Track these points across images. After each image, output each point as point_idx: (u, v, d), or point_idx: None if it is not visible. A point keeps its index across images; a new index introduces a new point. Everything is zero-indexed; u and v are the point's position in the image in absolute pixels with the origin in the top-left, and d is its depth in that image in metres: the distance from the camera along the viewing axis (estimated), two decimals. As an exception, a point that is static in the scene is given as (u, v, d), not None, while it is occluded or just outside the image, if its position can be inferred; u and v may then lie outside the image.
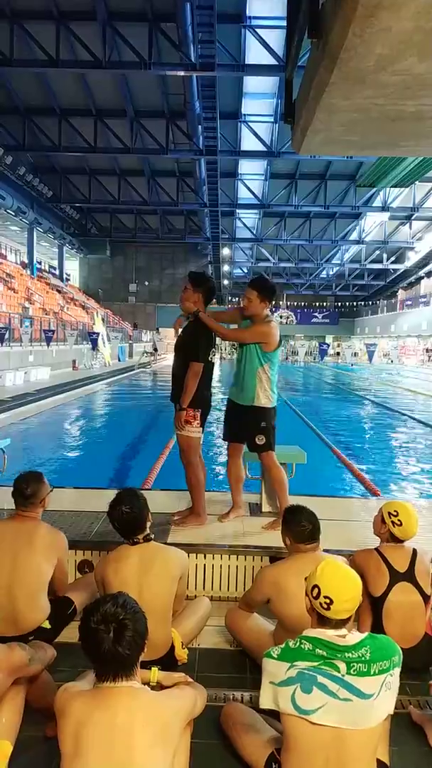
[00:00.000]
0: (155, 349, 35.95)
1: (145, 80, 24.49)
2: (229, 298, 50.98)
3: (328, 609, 2.02)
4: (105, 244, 44.73)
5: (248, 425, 4.20)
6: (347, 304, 56.64)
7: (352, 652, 1.98)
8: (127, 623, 1.77)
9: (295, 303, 54.89)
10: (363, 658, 1.97)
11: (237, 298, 51.58)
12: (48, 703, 2.37)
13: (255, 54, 21.78)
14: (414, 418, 13.92)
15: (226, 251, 44.66)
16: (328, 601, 2.02)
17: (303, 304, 55.42)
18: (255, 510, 4.58)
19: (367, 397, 19.11)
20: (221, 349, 48.35)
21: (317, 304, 56.11)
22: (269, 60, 20.93)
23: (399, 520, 2.97)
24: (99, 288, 47.76)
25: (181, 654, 2.94)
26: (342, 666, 1.97)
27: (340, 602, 2.01)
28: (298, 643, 2.06)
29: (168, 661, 2.86)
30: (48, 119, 26.91)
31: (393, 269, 47.69)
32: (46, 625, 3.07)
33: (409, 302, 44.55)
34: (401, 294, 49.40)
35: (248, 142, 28.91)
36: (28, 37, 20.03)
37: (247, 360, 4.17)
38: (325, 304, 56.55)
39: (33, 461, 8.40)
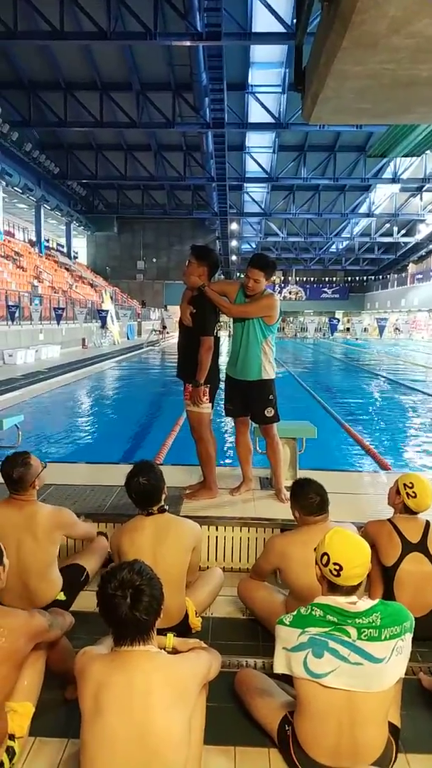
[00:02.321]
0: (164, 327, 35.88)
1: (151, 52, 24.05)
2: (237, 274, 50.63)
3: (338, 575, 2.06)
4: (112, 220, 44.47)
5: (256, 399, 4.22)
6: (357, 278, 56.10)
7: (362, 618, 2.02)
8: (144, 589, 1.82)
9: (305, 278, 54.46)
10: (374, 624, 2.01)
11: (240, 274, 51.30)
12: (67, 667, 2.45)
13: (262, 21, 21.26)
14: (423, 392, 13.88)
15: (234, 226, 44.23)
16: (337, 567, 2.05)
17: (312, 279, 54.96)
18: (265, 484, 4.62)
19: (376, 372, 19.04)
20: (228, 326, 48.29)
21: (327, 279, 55.60)
22: (277, 27, 20.45)
23: (414, 492, 2.99)
24: (107, 265, 47.57)
25: (195, 622, 3.00)
26: (353, 631, 2.01)
27: (349, 568, 2.04)
28: (309, 610, 2.10)
29: (182, 629, 2.92)
30: (53, 94, 26.56)
31: (403, 242, 47.06)
32: (61, 597, 3.13)
33: (420, 276, 44.05)
34: (412, 268, 48.90)
35: (256, 114, 28.42)
36: (32, 9, 19.66)
37: (249, 334, 4.15)
38: (334, 279, 56.02)
39: (46, 437, 8.49)
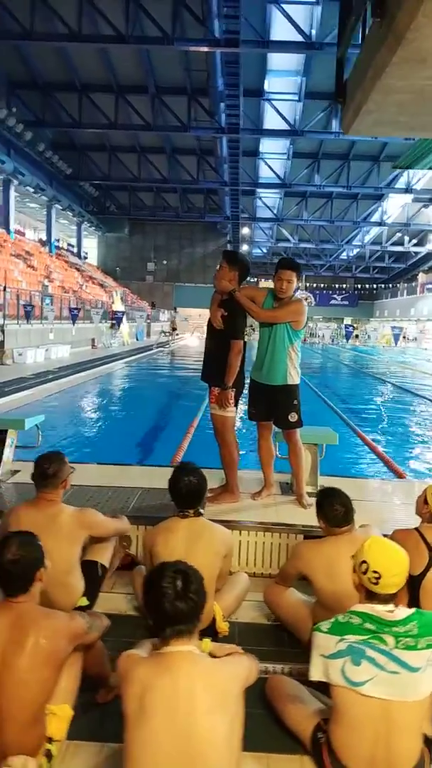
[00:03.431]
0: (174, 329, 35.93)
1: (168, 56, 24.14)
2: (248, 278, 50.63)
3: (377, 584, 2.07)
4: (124, 222, 44.65)
5: (281, 404, 4.25)
6: (367, 286, 56.13)
7: (400, 627, 2.03)
8: (192, 577, 1.87)
9: (315, 284, 54.49)
10: (411, 633, 2.03)
11: (254, 279, 51.38)
12: (101, 670, 2.47)
13: (280, 30, 21.33)
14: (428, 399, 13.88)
15: (245, 230, 44.32)
16: (377, 575, 2.07)
17: (322, 285, 55.01)
18: (285, 489, 4.64)
19: (387, 380, 19.04)
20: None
21: (336, 285, 55.66)
22: (295, 37, 20.51)
23: (443, 502, 3.00)
24: (117, 266, 47.75)
25: (222, 627, 3.02)
26: (390, 640, 2.02)
27: (388, 576, 2.06)
28: (347, 618, 2.12)
29: (209, 634, 2.93)
30: (68, 95, 26.73)
31: (414, 252, 47.07)
32: (83, 602, 3.11)
33: (430, 286, 44.00)
34: (422, 277, 48.75)
35: (271, 121, 28.50)
36: (49, 10, 19.78)
37: (276, 339, 4.19)
38: (344, 285, 56.07)
39: (59, 438, 8.52)
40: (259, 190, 37.41)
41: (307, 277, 52.98)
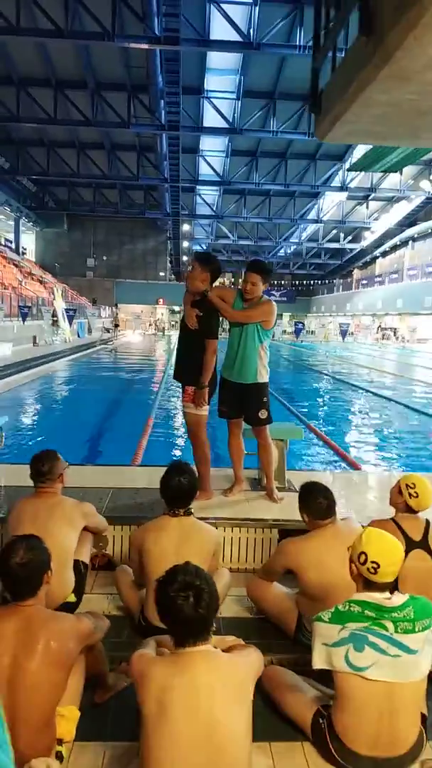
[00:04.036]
0: (116, 325, 35.59)
1: (108, 52, 23.80)
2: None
3: (375, 573, 2.19)
4: (62, 217, 43.86)
5: (252, 401, 4.34)
6: (304, 282, 57.28)
7: (398, 612, 2.16)
8: (204, 587, 1.90)
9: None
10: (408, 617, 2.16)
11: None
12: (99, 670, 2.50)
13: (219, 29, 21.45)
14: (373, 393, 14.36)
15: (186, 227, 44.36)
16: (375, 565, 2.19)
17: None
18: (254, 485, 4.74)
19: (327, 374, 19.52)
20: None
21: (275, 282, 56.42)
22: (234, 36, 20.67)
23: (416, 492, 3.15)
24: (56, 262, 46.82)
25: (210, 622, 3.09)
26: (390, 625, 2.15)
27: (386, 566, 2.19)
28: (347, 607, 2.22)
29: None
30: (5, 89, 25.94)
31: (349, 249, 48.38)
32: (72, 598, 3.15)
33: (365, 282, 45.37)
34: (357, 273, 50.25)
35: (210, 119, 28.60)
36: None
37: (247, 338, 4.29)
38: (282, 282, 57.00)
39: (13, 439, 8.34)
40: (198, 187, 37.50)
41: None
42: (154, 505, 4.24)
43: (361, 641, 2.14)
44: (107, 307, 43.63)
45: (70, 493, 4.35)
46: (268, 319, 4.27)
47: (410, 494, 3.18)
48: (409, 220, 40.16)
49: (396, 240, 42.51)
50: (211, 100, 27.66)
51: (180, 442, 8.34)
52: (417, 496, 3.17)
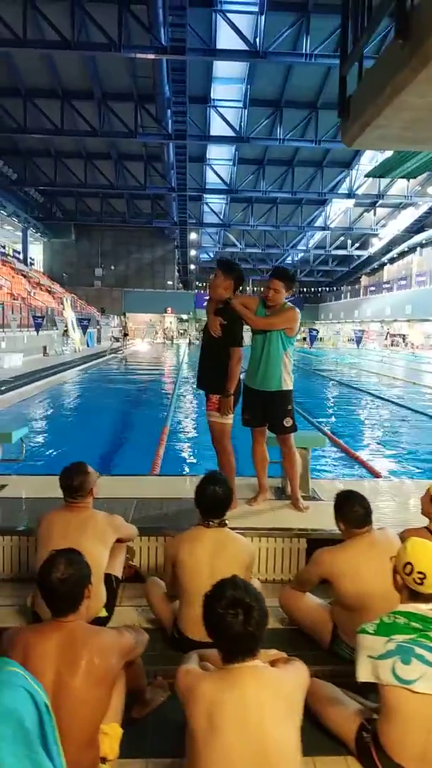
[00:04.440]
0: (125, 334, 35.68)
1: (114, 62, 24.03)
2: (196, 283, 50.91)
3: (422, 584, 2.15)
4: (70, 227, 44.13)
5: (276, 409, 4.31)
6: (312, 289, 57.26)
7: (445, 624, 2.12)
8: (253, 605, 1.86)
9: (261, 288, 54.99)
10: (454, 629, 2.11)
11: (204, 283, 51.57)
12: (138, 685, 2.46)
13: (225, 39, 21.61)
14: (387, 399, 14.28)
15: (193, 236, 44.52)
16: (422, 576, 2.15)
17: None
18: (278, 493, 4.70)
19: (340, 381, 19.46)
20: (188, 334, 48.39)
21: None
22: (240, 45, 20.79)
23: (447, 499, 3.12)
24: (63, 272, 47.05)
25: (244, 634, 3.05)
26: (437, 637, 2.10)
27: (433, 576, 2.14)
28: (392, 618, 2.18)
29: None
30: (12, 100, 26.21)
31: (357, 255, 48.37)
32: (103, 613, 3.11)
33: (373, 288, 45.33)
34: (364, 280, 50.22)
35: (217, 127, 28.77)
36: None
37: (271, 346, 4.26)
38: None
39: (30, 450, 8.33)
40: (205, 195, 37.70)
41: (253, 282, 53.61)
42: (179, 516, 4.22)
43: (408, 653, 2.10)
44: (115, 317, 43.73)
45: (95, 504, 4.35)
46: (292, 326, 4.25)
47: (443, 502, 3.13)
48: (417, 227, 40.11)
49: (404, 246, 42.45)
50: (218, 108, 27.83)
51: (197, 450, 8.30)
52: (450, 504, 3.12)
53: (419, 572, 2.15)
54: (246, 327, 4.25)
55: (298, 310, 4.34)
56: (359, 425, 11.78)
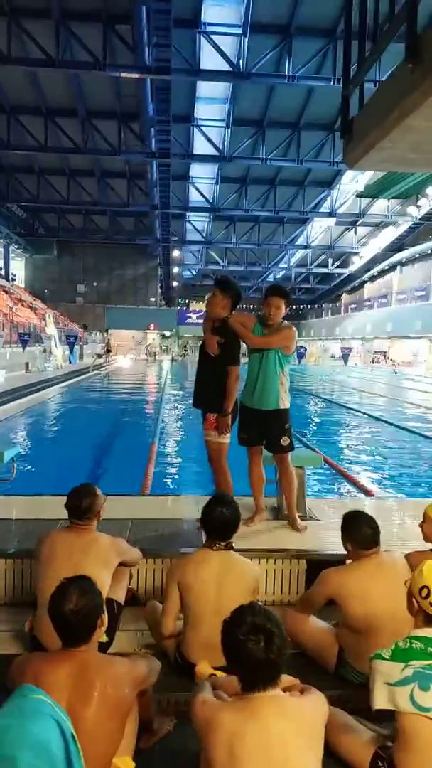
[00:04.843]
0: (108, 351, 35.54)
1: (98, 81, 24.13)
2: (179, 299, 51.03)
3: (439, 608, 2.12)
4: (52, 243, 44.06)
5: (273, 428, 4.28)
6: (293, 307, 57.37)
7: (461, 649, 2.08)
8: (275, 631, 1.81)
9: (243, 306, 54.90)
10: (471, 654, 2.08)
11: (187, 300, 51.73)
12: (148, 715, 2.38)
13: (209, 59, 21.87)
14: (374, 417, 14.35)
15: (176, 253, 44.69)
16: (438, 600, 2.11)
17: (251, 306, 55.98)
18: (275, 514, 4.65)
19: (325, 398, 19.53)
20: (171, 351, 48.38)
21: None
22: (223, 66, 21.07)
23: (451, 520, 3.10)
24: (45, 288, 46.83)
25: (249, 659, 2.98)
26: (454, 662, 2.07)
27: (449, 600, 2.11)
28: (408, 644, 2.14)
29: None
30: (-5, 116, 26.21)
31: (338, 274, 48.88)
32: (104, 638, 3.02)
33: (354, 306, 45.84)
34: (345, 298, 50.73)
35: (200, 146, 29.01)
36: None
37: (267, 364, 4.25)
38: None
39: (19, 469, 8.18)
40: (188, 213, 37.87)
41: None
42: (176, 537, 4.16)
43: (427, 680, 2.05)
44: (98, 333, 43.61)
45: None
46: (289, 345, 4.25)
47: (448, 523, 3.12)
48: (397, 245, 40.71)
49: (384, 265, 43.03)
50: (201, 128, 28.09)
51: (188, 469, 8.23)
52: (455, 525, 3.11)
53: (436, 596, 2.12)
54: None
55: (294, 328, 4.34)
56: (348, 443, 11.79)
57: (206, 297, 4.29)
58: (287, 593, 3.87)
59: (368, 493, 6.70)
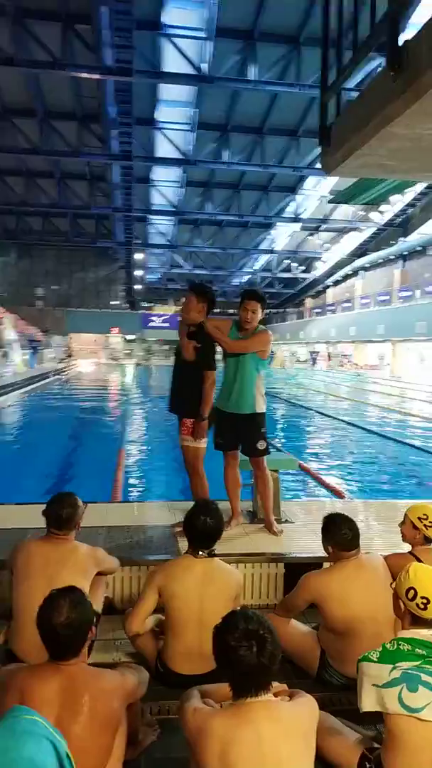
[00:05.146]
0: (69, 356, 35.08)
1: (57, 80, 23.70)
2: (143, 303, 50.79)
3: (425, 609, 2.15)
4: (9, 246, 43.22)
5: (250, 432, 4.28)
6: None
7: (448, 649, 2.11)
8: (267, 637, 1.81)
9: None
10: (457, 654, 2.11)
11: (151, 303, 51.46)
12: (134, 727, 2.34)
13: (172, 62, 21.83)
14: (345, 421, 14.53)
15: (139, 256, 44.42)
16: (425, 601, 2.14)
17: (216, 310, 56.03)
18: (251, 517, 4.65)
19: (289, 401, 19.68)
20: (135, 354, 48.08)
21: (230, 311, 56.99)
22: (187, 69, 21.06)
23: (431, 523, 3.14)
24: (3, 292, 45.91)
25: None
26: (441, 663, 2.09)
27: (436, 601, 2.14)
28: (395, 645, 2.16)
29: (217, 673, 2.87)
30: None
31: (302, 278, 49.36)
32: None
33: (318, 310, 46.38)
34: (309, 302, 51.30)
35: (163, 149, 28.92)
36: None
37: (244, 369, 4.25)
38: (237, 311, 57.52)
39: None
40: (152, 216, 37.70)
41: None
42: (152, 544, 4.11)
43: (415, 681, 2.07)
44: (59, 337, 43.00)
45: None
46: (265, 349, 4.26)
47: (426, 525, 3.15)
48: (360, 251, 41.38)
49: (347, 269, 43.66)
50: (164, 131, 28.01)
51: (159, 475, 8.16)
52: (433, 526, 3.15)
53: (423, 597, 2.14)
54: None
55: (270, 332, 4.36)
56: (316, 445, 11.89)
57: (182, 301, 4.28)
58: (266, 597, 3.87)
59: (339, 494, 6.76)
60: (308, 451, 10.90)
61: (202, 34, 21.26)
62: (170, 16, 21.05)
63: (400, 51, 2.29)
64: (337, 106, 3.13)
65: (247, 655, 1.77)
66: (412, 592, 2.16)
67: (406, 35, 2.31)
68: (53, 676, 1.91)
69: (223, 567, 2.92)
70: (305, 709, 1.93)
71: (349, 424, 14.12)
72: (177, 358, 4.27)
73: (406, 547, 3.27)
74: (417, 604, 2.15)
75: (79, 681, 1.92)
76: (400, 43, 2.30)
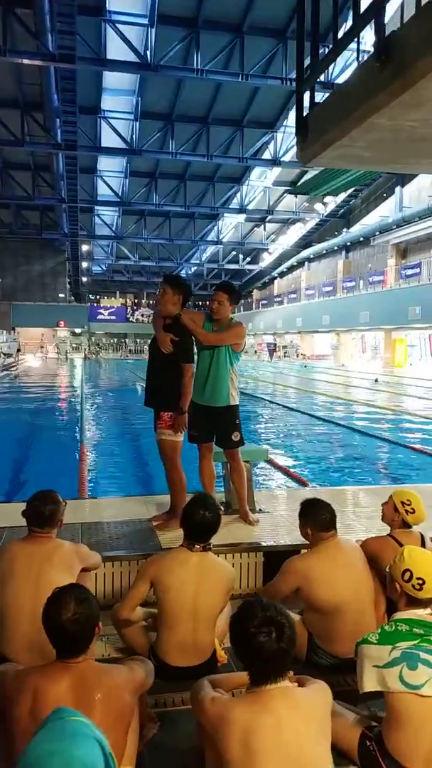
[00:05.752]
0: (18, 350, 34.24)
1: (-2, 67, 23.05)
2: (89, 295, 50.00)
3: (421, 589, 2.22)
4: None
5: (224, 424, 4.31)
6: (206, 303, 57.96)
7: (444, 627, 2.19)
8: (284, 622, 1.84)
9: (155, 301, 55.22)
10: (452, 631, 2.19)
11: (97, 296, 50.76)
12: (142, 720, 2.33)
13: (115, 49, 21.45)
14: (297, 410, 14.74)
15: (85, 248, 43.70)
16: (421, 581, 2.21)
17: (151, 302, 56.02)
18: (225, 508, 4.66)
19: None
20: (83, 348, 47.34)
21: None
22: (131, 57, 20.74)
23: (412, 509, 3.23)
24: None
25: (222, 654, 2.99)
26: (438, 640, 2.17)
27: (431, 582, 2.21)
28: (393, 627, 2.22)
29: (211, 664, 2.90)
30: None
31: (249, 270, 49.67)
32: None
33: (265, 301, 46.79)
34: (256, 294, 51.67)
35: (108, 139, 28.48)
36: None
37: (218, 362, 4.27)
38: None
39: None
40: (97, 207, 37.14)
41: (148, 295, 53.55)
42: (131, 538, 4.08)
43: (414, 659, 2.14)
44: (4, 332, 41.85)
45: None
46: (240, 342, 4.28)
47: (407, 511, 3.25)
48: (305, 242, 41.89)
49: (293, 261, 44.18)
50: (109, 120, 27.58)
51: (123, 467, 8.07)
52: (414, 512, 3.25)
53: (419, 578, 2.21)
54: None
55: (244, 326, 4.38)
56: (274, 435, 12.01)
57: (157, 293, 4.24)
58: (247, 587, 3.90)
59: (303, 483, 6.87)
60: (265, 440, 11.01)
61: (144, 21, 21.03)
62: (113, 1, 20.71)
63: (388, 41, 2.32)
64: (311, 98, 3.15)
65: (267, 641, 1.80)
66: (408, 573, 2.23)
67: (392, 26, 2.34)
68: (64, 675, 1.89)
69: (217, 561, 2.95)
70: (320, 695, 1.97)
71: (297, 411, 14.34)
72: (152, 352, 4.22)
73: (375, 532, 3.37)
74: (413, 585, 2.21)
75: (90, 678, 1.90)
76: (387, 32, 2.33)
